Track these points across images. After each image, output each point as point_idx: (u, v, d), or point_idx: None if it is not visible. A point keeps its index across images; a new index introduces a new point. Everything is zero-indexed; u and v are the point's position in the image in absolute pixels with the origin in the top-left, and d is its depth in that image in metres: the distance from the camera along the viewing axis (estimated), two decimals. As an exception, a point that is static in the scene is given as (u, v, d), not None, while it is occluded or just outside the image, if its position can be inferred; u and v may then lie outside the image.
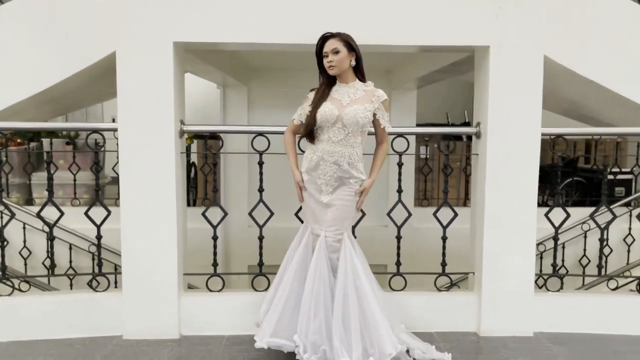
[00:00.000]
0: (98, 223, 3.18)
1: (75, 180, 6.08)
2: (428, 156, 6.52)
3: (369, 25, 2.96)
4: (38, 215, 3.19)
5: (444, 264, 3.29)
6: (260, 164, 3.14)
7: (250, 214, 3.18)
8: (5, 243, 5.38)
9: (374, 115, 2.65)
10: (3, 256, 3.16)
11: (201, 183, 6.75)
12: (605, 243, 5.36)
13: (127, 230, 3.02)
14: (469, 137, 7.16)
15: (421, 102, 6.57)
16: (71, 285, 4.91)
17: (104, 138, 3.17)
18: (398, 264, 3.29)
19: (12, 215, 3.16)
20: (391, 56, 5.03)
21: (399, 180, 3.25)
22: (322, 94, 2.64)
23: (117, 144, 2.99)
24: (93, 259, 5.69)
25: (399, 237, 3.26)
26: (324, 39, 2.63)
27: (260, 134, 3.13)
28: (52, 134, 6.55)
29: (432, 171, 6.37)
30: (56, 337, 3.02)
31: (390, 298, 2.95)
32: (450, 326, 3.16)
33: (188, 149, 7.09)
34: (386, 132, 2.71)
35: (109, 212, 3.17)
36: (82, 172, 6.22)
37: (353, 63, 2.64)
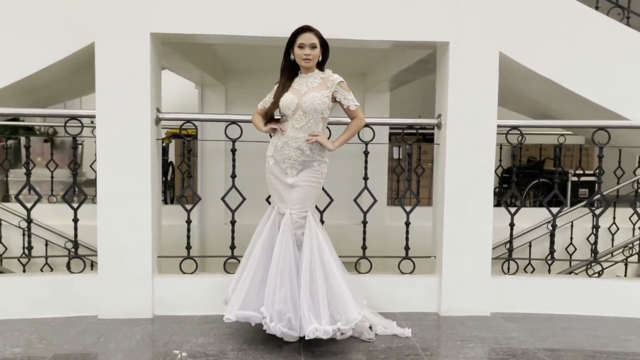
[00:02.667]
0: (74, 218, 3.30)
1: (52, 177, 6.15)
2: (401, 157, 6.77)
3: (340, 20, 3.15)
4: (16, 198, 3.27)
5: (407, 248, 3.46)
6: (233, 151, 3.29)
7: (223, 199, 3.32)
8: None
9: (335, 99, 2.82)
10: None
11: (178, 182, 6.87)
12: (570, 241, 5.66)
13: (103, 213, 3.13)
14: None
15: (395, 106, 6.80)
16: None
17: (82, 125, 3.28)
18: (364, 247, 3.45)
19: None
20: (364, 58, 5.24)
21: (365, 168, 3.42)
22: (282, 86, 2.83)
23: (93, 132, 3.12)
24: (69, 254, 5.76)
25: (364, 222, 3.43)
26: (302, 30, 2.76)
27: (234, 122, 3.29)
28: (29, 131, 6.62)
29: (404, 171, 6.60)
30: (32, 316, 3.11)
31: (355, 279, 3.11)
32: (412, 307, 3.33)
33: (165, 149, 7.23)
34: (354, 110, 2.85)
35: (86, 196, 3.29)
36: (60, 170, 6.30)
37: (320, 58, 2.83)
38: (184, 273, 3.31)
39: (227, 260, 3.34)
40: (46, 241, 5.59)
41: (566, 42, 3.48)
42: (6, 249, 5.48)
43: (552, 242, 3.64)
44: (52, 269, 5.11)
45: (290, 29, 2.83)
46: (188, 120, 3.33)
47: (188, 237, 3.37)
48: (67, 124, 3.28)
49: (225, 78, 6.16)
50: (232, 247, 3.36)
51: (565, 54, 3.48)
